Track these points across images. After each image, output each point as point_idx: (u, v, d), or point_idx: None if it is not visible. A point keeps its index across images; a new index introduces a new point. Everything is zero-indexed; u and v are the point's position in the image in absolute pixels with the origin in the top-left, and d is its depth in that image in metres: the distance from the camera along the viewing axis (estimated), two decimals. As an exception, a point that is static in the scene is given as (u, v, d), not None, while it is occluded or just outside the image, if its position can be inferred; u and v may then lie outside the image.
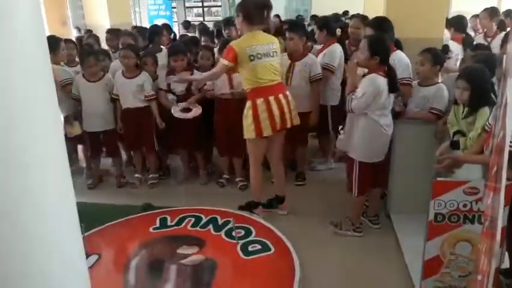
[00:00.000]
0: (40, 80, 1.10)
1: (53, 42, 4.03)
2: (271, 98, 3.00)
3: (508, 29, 5.12)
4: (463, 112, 2.60)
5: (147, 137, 3.88)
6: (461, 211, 2.09)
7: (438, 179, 2.12)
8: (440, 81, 3.13)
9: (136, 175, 4.07)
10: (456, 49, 4.16)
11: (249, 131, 3.04)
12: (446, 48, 3.23)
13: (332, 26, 4.01)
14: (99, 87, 3.81)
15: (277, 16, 7.84)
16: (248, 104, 3.03)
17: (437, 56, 3.04)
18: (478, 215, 2.07)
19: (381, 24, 3.33)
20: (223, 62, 2.99)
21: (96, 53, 4.01)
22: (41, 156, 1.10)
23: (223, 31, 5.17)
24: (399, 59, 3.22)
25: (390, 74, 2.78)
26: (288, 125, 3.09)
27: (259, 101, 2.98)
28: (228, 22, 5.16)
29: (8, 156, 1.03)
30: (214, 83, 3.68)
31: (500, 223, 1.31)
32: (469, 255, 2.13)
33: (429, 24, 3.63)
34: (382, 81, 2.73)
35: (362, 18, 4.14)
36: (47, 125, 1.13)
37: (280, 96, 3.03)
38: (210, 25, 8.19)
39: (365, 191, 3.00)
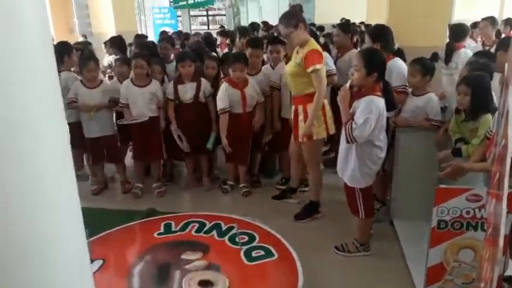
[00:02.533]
0: (46, 86, 1.11)
1: (66, 49, 4.11)
2: (327, 100, 3.30)
3: (503, 35, 5.17)
4: (464, 120, 2.62)
5: (156, 146, 3.88)
6: (464, 218, 2.11)
7: (441, 186, 2.13)
8: (431, 90, 3.14)
9: (137, 185, 4.02)
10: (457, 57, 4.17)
11: (319, 131, 3.20)
12: (435, 56, 3.24)
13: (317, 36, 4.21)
14: (98, 93, 3.84)
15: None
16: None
17: (426, 66, 3.06)
18: (481, 222, 2.08)
19: (381, 32, 3.37)
20: (320, 66, 3.05)
21: (96, 59, 4.04)
22: (46, 162, 1.11)
23: (237, 40, 5.16)
24: (397, 66, 3.27)
25: (388, 91, 2.65)
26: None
27: (326, 102, 3.24)
28: (243, 32, 5.16)
29: (11, 164, 1.03)
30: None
31: (503, 230, 1.33)
32: (472, 262, 2.14)
33: (431, 32, 3.67)
34: (381, 102, 2.57)
35: (343, 26, 4.29)
36: (52, 131, 1.13)
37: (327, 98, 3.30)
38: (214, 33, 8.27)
39: (373, 212, 2.92)
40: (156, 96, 3.80)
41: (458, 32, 4.33)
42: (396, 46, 3.61)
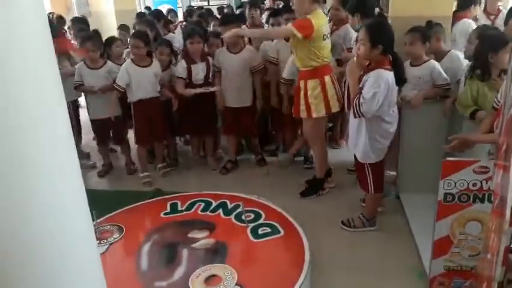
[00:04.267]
0: (43, 68, 1.07)
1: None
2: (331, 76, 3.17)
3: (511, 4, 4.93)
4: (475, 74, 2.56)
5: (160, 127, 3.82)
6: (471, 190, 2.08)
7: (448, 158, 2.10)
8: (427, 59, 3.07)
9: (144, 174, 3.89)
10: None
11: (318, 109, 3.13)
12: (430, 24, 3.16)
13: None
14: (102, 74, 3.80)
15: None
16: (313, 82, 3.09)
17: (425, 34, 3.02)
18: (488, 194, 2.06)
19: (358, 4, 3.28)
20: (296, 32, 2.93)
21: (93, 38, 3.95)
22: (48, 147, 1.09)
23: (246, 13, 4.98)
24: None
25: (397, 64, 2.57)
26: (342, 101, 3.21)
27: (327, 78, 3.12)
28: (254, 4, 4.91)
29: (14, 149, 1.02)
30: None
31: (510, 201, 1.30)
32: (479, 234, 2.13)
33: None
34: (390, 76, 2.49)
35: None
36: (53, 113, 1.11)
37: (332, 74, 3.19)
38: (214, 10, 8.10)
39: (382, 187, 2.89)
40: (158, 76, 3.73)
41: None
42: (377, 11, 3.51)
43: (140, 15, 5.92)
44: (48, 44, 1.09)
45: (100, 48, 3.90)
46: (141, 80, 3.65)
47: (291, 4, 4.54)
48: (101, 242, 2.68)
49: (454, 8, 4.00)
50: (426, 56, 3.07)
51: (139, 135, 3.84)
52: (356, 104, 2.54)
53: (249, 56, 3.73)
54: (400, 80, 2.61)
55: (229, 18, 3.75)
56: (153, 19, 5.07)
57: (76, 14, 7.15)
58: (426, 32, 3.07)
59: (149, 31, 4.14)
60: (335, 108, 3.20)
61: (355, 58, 2.65)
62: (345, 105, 2.97)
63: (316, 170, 3.49)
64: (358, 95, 2.54)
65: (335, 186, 3.56)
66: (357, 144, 2.74)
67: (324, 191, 3.48)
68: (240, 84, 3.75)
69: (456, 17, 3.98)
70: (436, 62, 3.05)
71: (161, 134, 3.89)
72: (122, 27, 5.39)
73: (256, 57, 3.77)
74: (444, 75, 3.01)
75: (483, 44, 2.60)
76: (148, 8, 8.17)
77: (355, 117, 2.61)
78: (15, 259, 1.08)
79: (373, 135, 2.65)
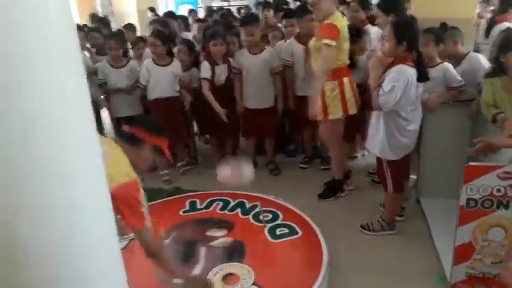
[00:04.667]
0: (70, 72, 1.08)
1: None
2: (350, 78, 3.16)
3: None
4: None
5: (179, 127, 3.85)
6: (494, 196, 2.04)
7: (471, 163, 2.06)
8: (441, 61, 3.05)
9: (164, 172, 3.92)
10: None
11: (335, 111, 3.11)
12: (444, 26, 3.12)
13: None
14: (125, 73, 3.86)
15: None
16: (332, 84, 3.07)
17: (438, 35, 3.01)
18: (512, 201, 2.01)
19: (392, 4, 3.25)
20: (331, 43, 2.92)
21: (117, 37, 4.02)
22: (70, 147, 1.10)
23: (260, 14, 4.97)
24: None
25: (420, 62, 2.58)
26: (360, 104, 3.22)
27: (346, 80, 3.11)
28: (267, 4, 4.95)
29: (34, 149, 1.01)
30: None
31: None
32: (502, 241, 2.09)
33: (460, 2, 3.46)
34: (411, 72, 2.51)
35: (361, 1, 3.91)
36: (79, 110, 1.12)
37: (351, 77, 3.18)
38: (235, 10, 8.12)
39: (402, 187, 2.85)
40: (177, 76, 3.75)
41: (506, 2, 4.03)
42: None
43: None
44: (74, 44, 1.10)
45: (122, 47, 3.96)
46: (159, 79, 3.70)
47: (307, 6, 4.52)
48: (122, 238, 2.72)
49: (477, 9, 3.95)
50: (439, 59, 3.04)
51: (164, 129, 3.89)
52: (374, 96, 2.56)
53: (269, 57, 3.72)
54: (423, 77, 2.60)
55: (249, 19, 3.75)
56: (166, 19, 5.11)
57: (100, 14, 7.29)
58: (440, 34, 3.05)
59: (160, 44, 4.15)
60: (352, 110, 3.17)
61: (379, 53, 2.67)
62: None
63: (334, 172, 3.47)
64: (378, 88, 2.56)
65: (355, 188, 3.54)
66: (375, 140, 2.75)
67: (343, 193, 3.46)
68: (261, 86, 3.74)
69: (496, 20, 3.93)
70: (449, 65, 3.02)
71: (179, 133, 3.91)
72: (127, 27, 5.43)
73: (276, 59, 3.76)
74: (458, 77, 2.99)
75: (496, 44, 2.60)
76: (151, 8, 8.03)
77: (374, 109, 2.64)
78: (36, 259, 1.08)
79: (389, 130, 2.65)
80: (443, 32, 3.12)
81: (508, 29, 3.19)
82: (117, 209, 1.76)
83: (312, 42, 3.22)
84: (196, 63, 4.00)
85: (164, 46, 3.71)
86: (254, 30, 3.62)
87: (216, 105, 3.73)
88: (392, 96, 2.49)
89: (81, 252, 1.16)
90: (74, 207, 1.13)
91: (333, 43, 2.92)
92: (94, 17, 6.83)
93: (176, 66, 3.77)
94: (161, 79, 3.71)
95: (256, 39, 3.64)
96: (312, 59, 3.23)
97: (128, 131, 2.02)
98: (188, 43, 4.05)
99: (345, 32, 3.05)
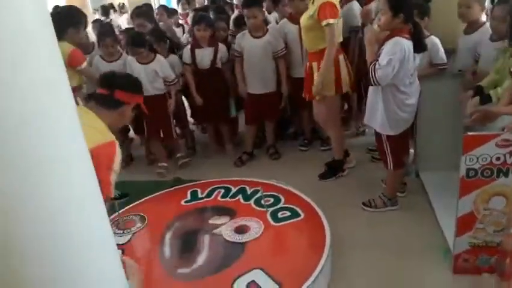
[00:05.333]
0: (48, 62, 1.07)
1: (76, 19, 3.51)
2: (344, 55, 3.15)
3: None
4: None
5: (166, 126, 3.83)
6: (494, 165, 2.03)
7: (469, 133, 2.05)
8: (428, 34, 2.96)
9: (160, 164, 3.94)
10: None
11: (328, 88, 3.09)
12: None
13: None
14: (118, 67, 3.80)
15: None
16: None
17: (423, 8, 2.91)
18: (512, 168, 2.01)
19: None
20: (333, 21, 2.90)
21: (113, 33, 4.00)
22: (65, 147, 1.11)
23: None
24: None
25: (417, 32, 2.54)
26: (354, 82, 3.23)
27: (341, 58, 3.10)
28: None
29: (26, 150, 1.02)
30: None
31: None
32: (503, 209, 2.08)
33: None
34: (407, 44, 2.48)
35: None
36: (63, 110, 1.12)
37: (344, 54, 3.17)
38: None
39: (402, 163, 2.84)
40: (161, 73, 3.65)
41: None
42: None
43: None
44: (52, 41, 1.10)
45: (116, 41, 3.93)
46: (140, 77, 3.60)
47: None
48: (125, 231, 2.74)
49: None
50: (426, 32, 2.96)
51: (148, 130, 3.86)
52: (371, 70, 2.52)
53: (272, 41, 3.62)
54: (420, 47, 2.57)
55: (250, 1, 3.59)
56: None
57: (90, 8, 7.20)
58: (425, 6, 2.95)
59: (148, 24, 4.09)
60: (346, 88, 3.16)
61: (375, 27, 2.62)
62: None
63: (335, 152, 3.46)
64: (374, 62, 2.52)
65: (354, 166, 3.53)
66: (374, 115, 2.72)
67: (344, 172, 3.46)
68: (263, 70, 3.67)
69: None
70: (437, 39, 2.95)
71: (167, 132, 3.87)
72: (95, 22, 5.34)
73: (279, 42, 3.65)
74: (443, 55, 2.93)
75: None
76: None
77: (371, 84, 2.60)
78: (32, 259, 1.08)
79: (389, 105, 2.62)
80: (427, 4, 3.02)
81: None
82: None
83: (302, 21, 3.17)
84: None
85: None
86: (256, 13, 3.52)
87: (192, 89, 3.76)
88: (389, 70, 2.45)
89: (77, 252, 1.16)
90: (70, 207, 1.13)
91: (334, 20, 2.92)
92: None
93: (158, 63, 3.66)
94: (142, 78, 3.61)
95: (258, 22, 3.56)
96: (304, 38, 3.19)
97: (107, 95, 1.98)
98: (160, 37, 3.94)
99: (339, 8, 3.04)
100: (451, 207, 2.22)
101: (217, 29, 3.91)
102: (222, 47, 3.78)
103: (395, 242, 2.61)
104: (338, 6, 3.03)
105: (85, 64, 3.34)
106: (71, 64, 3.17)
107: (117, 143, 1.89)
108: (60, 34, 3.11)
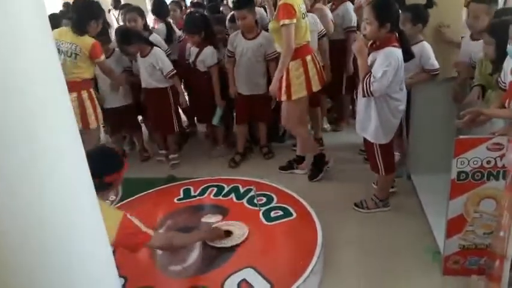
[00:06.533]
0: (42, 56, 1.09)
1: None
2: (312, 55, 3.16)
3: None
4: (490, 73, 2.49)
5: (166, 118, 3.84)
6: (485, 168, 2.06)
7: (461, 136, 2.07)
8: (420, 39, 2.96)
9: (160, 151, 4.09)
10: None
11: (299, 90, 3.09)
12: (430, 3, 2.96)
13: None
14: (111, 63, 3.80)
15: None
16: (295, 63, 3.05)
17: (418, 14, 2.89)
18: (503, 171, 2.03)
19: None
20: (289, 22, 2.89)
21: (107, 31, 3.96)
22: (60, 149, 1.11)
23: None
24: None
25: (403, 40, 2.53)
26: (324, 80, 3.27)
27: (308, 58, 3.10)
28: None
29: (19, 147, 1.02)
30: None
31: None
32: (493, 212, 2.11)
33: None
34: (399, 53, 2.46)
35: None
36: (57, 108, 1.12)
37: (313, 54, 3.19)
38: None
39: (393, 167, 2.85)
40: (158, 67, 3.66)
41: None
42: None
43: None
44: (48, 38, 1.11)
45: (109, 36, 3.92)
46: (140, 69, 3.71)
47: None
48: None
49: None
50: (421, 36, 2.96)
51: (148, 121, 3.99)
52: (366, 83, 2.50)
53: (264, 43, 3.60)
54: (408, 54, 2.57)
55: (240, 3, 3.55)
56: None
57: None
58: (419, 12, 2.92)
59: (140, 19, 4.05)
60: (315, 87, 3.16)
61: (362, 36, 2.60)
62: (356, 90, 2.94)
63: (308, 151, 3.51)
64: (368, 74, 2.50)
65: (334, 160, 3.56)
66: (367, 127, 2.71)
67: (329, 163, 3.47)
68: (254, 72, 3.66)
69: None
70: (428, 45, 2.94)
71: (168, 125, 3.88)
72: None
73: (272, 44, 3.58)
74: (434, 61, 2.92)
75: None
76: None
77: (364, 96, 2.57)
78: (27, 263, 1.09)
79: (383, 113, 2.62)
80: (424, 11, 2.95)
81: None
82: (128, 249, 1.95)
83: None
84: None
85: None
86: (245, 14, 3.48)
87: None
88: (385, 82, 2.44)
89: (74, 255, 1.16)
90: (66, 210, 1.13)
91: (289, 21, 2.89)
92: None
93: (154, 56, 3.64)
94: (141, 69, 3.70)
95: (247, 23, 3.52)
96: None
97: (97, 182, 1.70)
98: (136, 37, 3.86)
99: (301, 9, 3.01)
100: (442, 209, 2.24)
101: (215, 33, 3.89)
102: (208, 51, 3.73)
103: (386, 243, 2.63)
104: (299, 6, 2.98)
105: (103, 57, 3.36)
106: (91, 57, 3.23)
107: (125, 215, 1.94)
108: (83, 27, 3.16)
